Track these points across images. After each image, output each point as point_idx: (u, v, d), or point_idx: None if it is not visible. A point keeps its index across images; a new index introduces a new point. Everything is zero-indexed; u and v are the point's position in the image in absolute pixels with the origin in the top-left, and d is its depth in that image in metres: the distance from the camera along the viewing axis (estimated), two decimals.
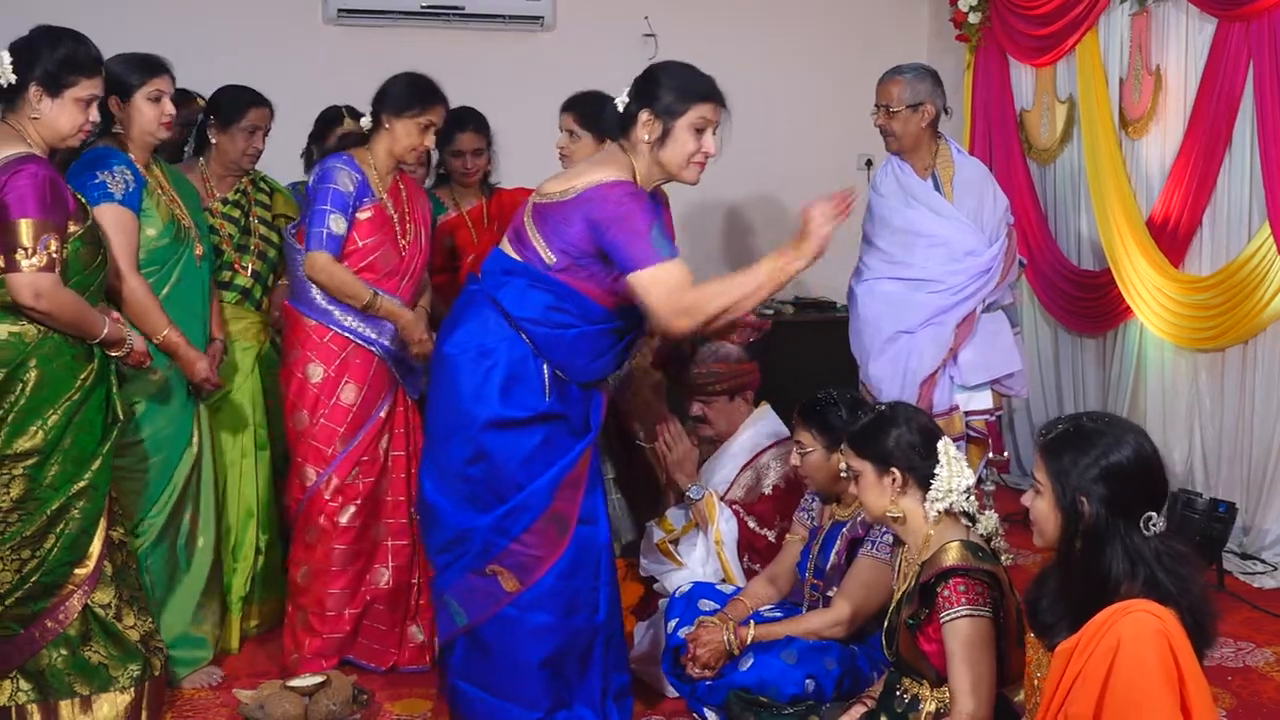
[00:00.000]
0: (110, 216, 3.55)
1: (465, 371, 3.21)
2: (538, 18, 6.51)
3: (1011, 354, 4.41)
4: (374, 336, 3.87)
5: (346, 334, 3.86)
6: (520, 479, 3.21)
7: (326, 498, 3.86)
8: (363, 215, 3.86)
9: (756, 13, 6.83)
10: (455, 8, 6.38)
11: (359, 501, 3.88)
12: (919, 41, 7.03)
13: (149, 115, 3.68)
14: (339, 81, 4.59)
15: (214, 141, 4.20)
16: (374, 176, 3.91)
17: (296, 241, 3.93)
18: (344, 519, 3.87)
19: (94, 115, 3.40)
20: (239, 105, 4.21)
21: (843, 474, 3.33)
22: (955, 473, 2.73)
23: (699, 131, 3.21)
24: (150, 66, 3.70)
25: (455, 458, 3.23)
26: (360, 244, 3.87)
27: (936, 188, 4.35)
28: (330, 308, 3.85)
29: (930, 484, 2.75)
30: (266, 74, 4.68)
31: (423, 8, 6.34)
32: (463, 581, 3.25)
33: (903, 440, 2.84)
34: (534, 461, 3.21)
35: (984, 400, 4.33)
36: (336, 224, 3.81)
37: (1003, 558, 2.75)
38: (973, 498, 2.76)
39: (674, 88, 3.21)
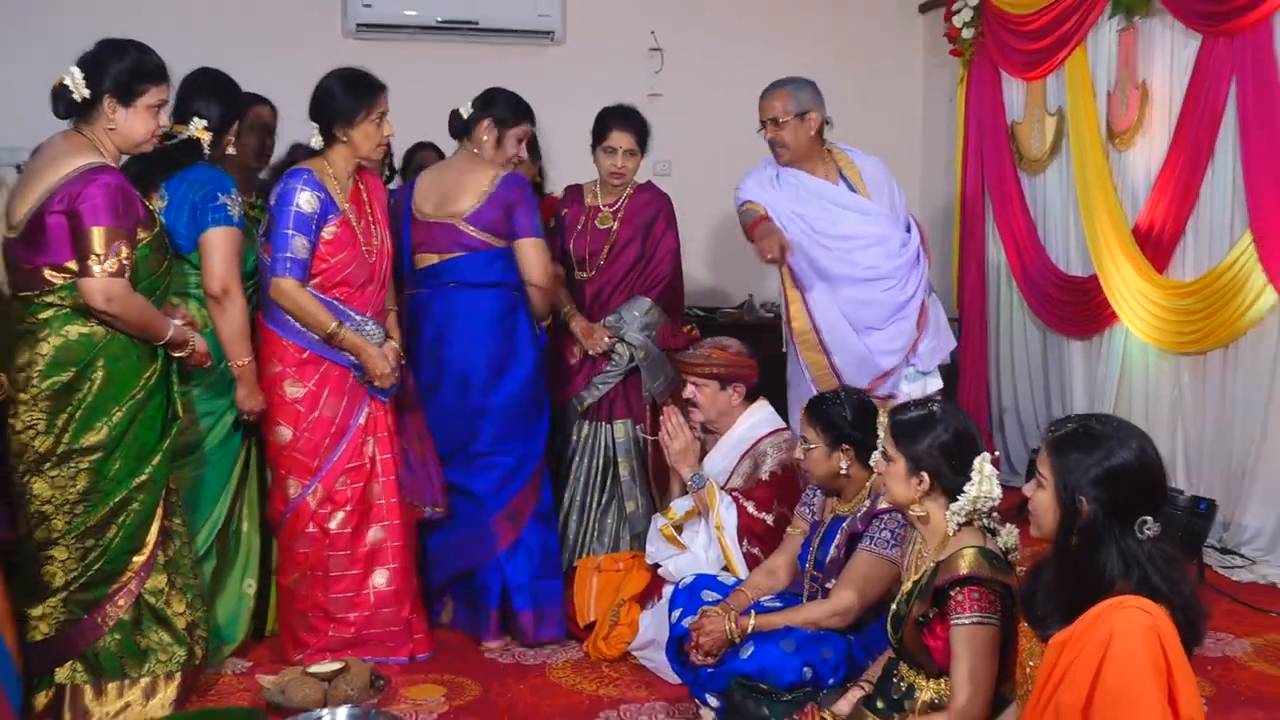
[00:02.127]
0: (229, 237, 3.67)
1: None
2: (548, 32, 6.53)
3: (950, 335, 4.50)
4: (346, 358, 3.81)
5: (320, 353, 3.79)
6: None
7: (314, 507, 3.82)
8: (329, 233, 3.76)
9: (759, 28, 6.83)
10: (470, 22, 6.40)
11: (348, 508, 3.84)
12: (914, 56, 7.04)
13: (253, 146, 3.97)
14: None
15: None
16: (335, 188, 3.80)
17: (266, 255, 3.80)
18: (334, 525, 3.84)
19: (163, 120, 3.44)
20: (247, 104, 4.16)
21: (841, 473, 3.34)
22: (984, 492, 2.63)
23: (519, 141, 4.23)
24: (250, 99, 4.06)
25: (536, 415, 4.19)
26: (330, 262, 3.79)
27: (852, 189, 4.32)
28: (303, 328, 3.78)
29: (957, 496, 2.67)
30: (287, 86, 4.66)
31: (439, 22, 6.36)
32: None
33: (941, 446, 2.73)
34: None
35: (937, 383, 4.37)
36: (300, 248, 3.70)
37: (1018, 570, 2.69)
38: (995, 514, 2.70)
39: (506, 105, 4.17)
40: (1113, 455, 2.22)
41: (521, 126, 4.20)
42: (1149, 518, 2.19)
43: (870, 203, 4.30)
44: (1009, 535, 2.70)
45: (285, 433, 3.82)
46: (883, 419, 2.89)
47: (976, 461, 2.65)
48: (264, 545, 4.05)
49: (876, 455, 2.89)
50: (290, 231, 3.69)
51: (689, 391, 4.02)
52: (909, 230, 4.36)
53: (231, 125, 3.93)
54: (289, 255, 3.69)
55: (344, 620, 3.86)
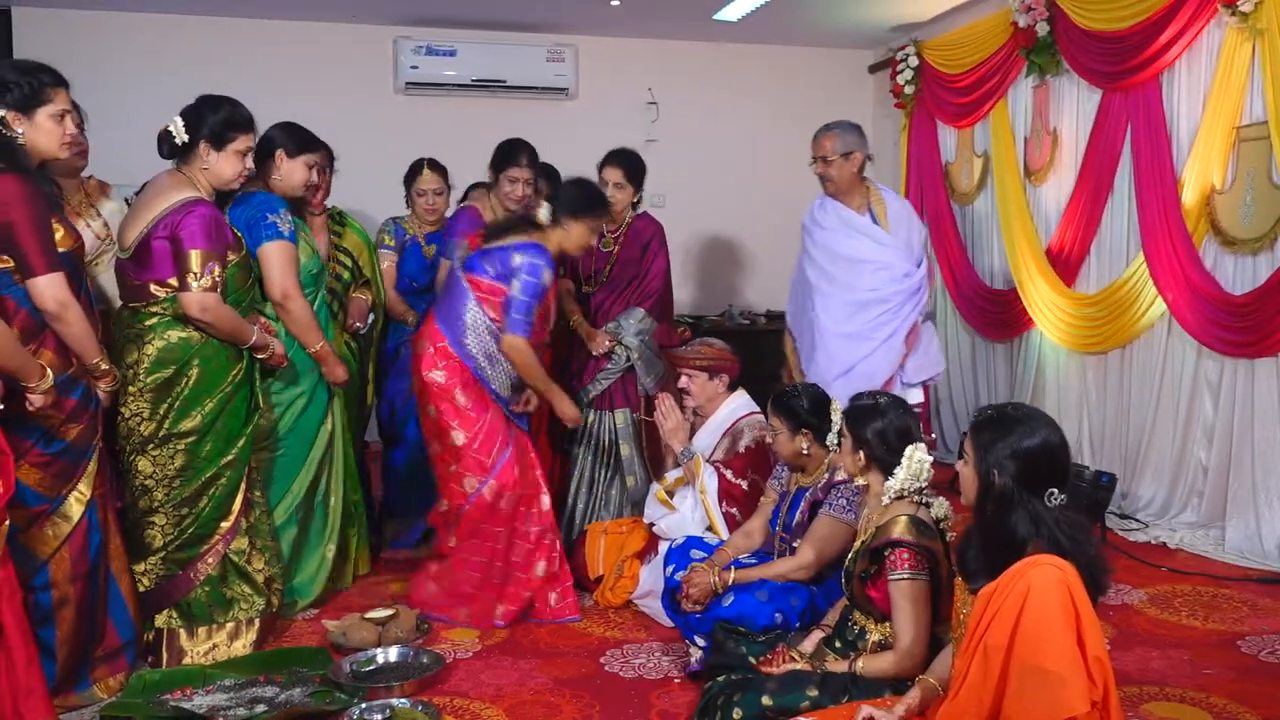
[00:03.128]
0: (282, 249, 3.59)
1: None
2: (564, 89, 6.53)
3: (939, 356, 4.43)
4: (505, 397, 3.72)
5: (489, 390, 3.68)
6: None
7: (489, 499, 3.66)
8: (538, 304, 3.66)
9: (737, 86, 6.82)
10: (499, 81, 6.39)
11: (506, 494, 3.68)
12: (866, 108, 7.02)
13: (301, 176, 3.78)
14: (406, 139, 4.59)
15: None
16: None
17: (486, 310, 3.62)
18: (501, 506, 3.70)
19: (249, 163, 3.42)
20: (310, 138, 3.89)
21: (803, 452, 3.33)
22: (912, 475, 2.63)
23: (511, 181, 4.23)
24: (312, 142, 3.82)
25: None
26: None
27: (875, 221, 4.28)
28: (488, 371, 3.66)
29: (890, 474, 2.69)
30: (348, 133, 4.67)
31: (473, 81, 6.35)
32: None
33: (877, 432, 2.76)
34: None
35: (917, 396, 4.34)
36: (535, 313, 3.62)
37: (949, 536, 2.69)
38: (929, 490, 2.70)
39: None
40: (1023, 439, 2.20)
41: (512, 170, 4.22)
42: (1055, 489, 2.17)
43: (886, 234, 4.24)
44: (940, 506, 2.69)
45: (459, 435, 3.64)
46: (836, 404, 2.90)
47: (908, 449, 2.66)
48: (349, 514, 4.00)
49: (831, 436, 2.90)
50: (531, 301, 3.58)
51: (683, 382, 4.00)
52: (920, 265, 4.30)
53: (274, 153, 3.73)
54: (527, 319, 3.59)
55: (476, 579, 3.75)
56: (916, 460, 2.65)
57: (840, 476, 3.13)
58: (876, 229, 4.26)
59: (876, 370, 4.20)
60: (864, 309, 4.20)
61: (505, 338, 3.62)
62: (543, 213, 3.69)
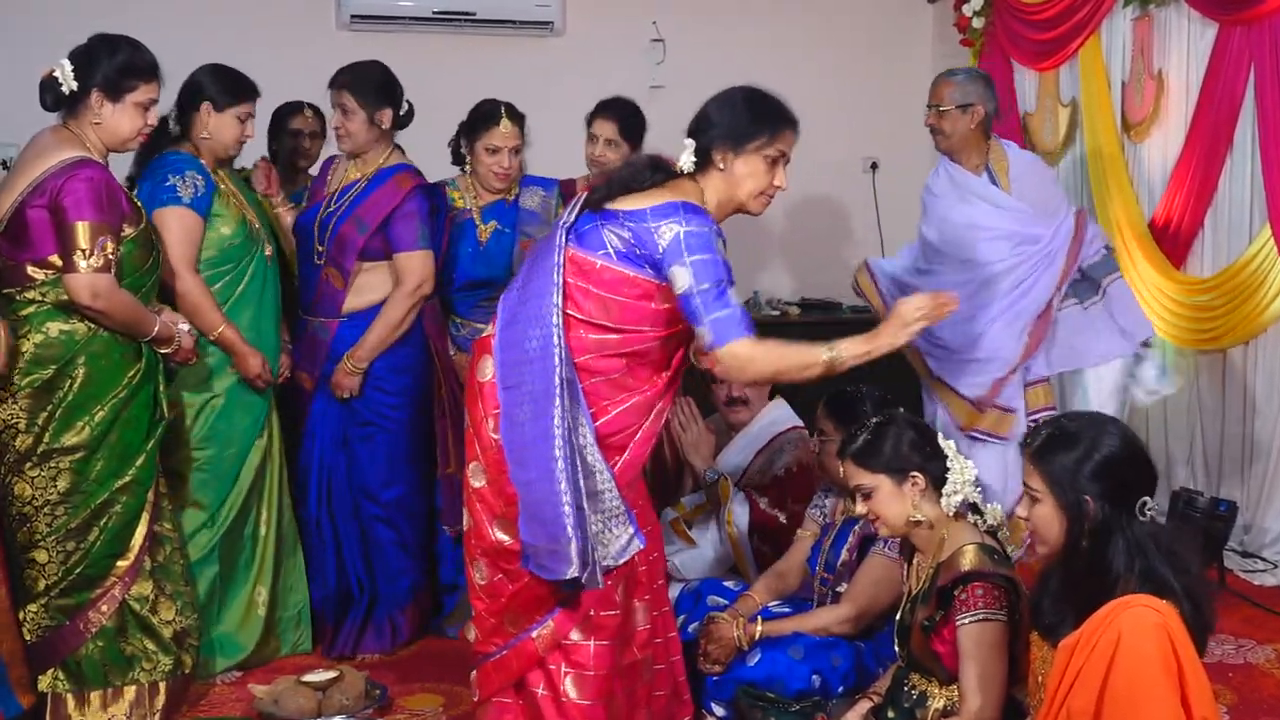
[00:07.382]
0: (174, 217, 3.62)
1: None
2: (547, 23, 6.53)
3: (1141, 317, 4.56)
4: None
5: None
6: None
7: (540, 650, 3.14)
8: None
9: (763, 18, 6.82)
10: (466, 13, 6.40)
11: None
12: (923, 46, 7.03)
13: (233, 133, 3.79)
14: None
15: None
16: None
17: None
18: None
19: (152, 118, 3.43)
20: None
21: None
22: (962, 465, 2.73)
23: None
24: (247, 89, 3.82)
25: None
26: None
27: (993, 182, 4.39)
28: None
29: (944, 481, 2.74)
30: (280, 79, 4.66)
31: (434, 13, 6.36)
32: None
33: (909, 442, 2.81)
34: None
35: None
36: (738, 297, 2.80)
37: (1009, 549, 2.74)
38: (979, 488, 2.76)
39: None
40: (1096, 447, 2.24)
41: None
42: (1148, 498, 2.21)
43: (1006, 196, 4.36)
44: (993, 511, 2.74)
45: (477, 476, 2.98)
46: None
47: (939, 442, 2.73)
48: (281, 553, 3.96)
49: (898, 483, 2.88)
50: (723, 281, 2.79)
51: (738, 390, 4.04)
52: (1057, 228, 4.37)
53: (198, 107, 3.76)
54: (731, 305, 2.77)
55: None
56: (953, 448, 2.73)
57: None
58: (994, 190, 4.37)
59: (993, 358, 4.32)
60: (984, 287, 4.29)
61: (721, 353, 2.76)
62: (684, 161, 2.97)
